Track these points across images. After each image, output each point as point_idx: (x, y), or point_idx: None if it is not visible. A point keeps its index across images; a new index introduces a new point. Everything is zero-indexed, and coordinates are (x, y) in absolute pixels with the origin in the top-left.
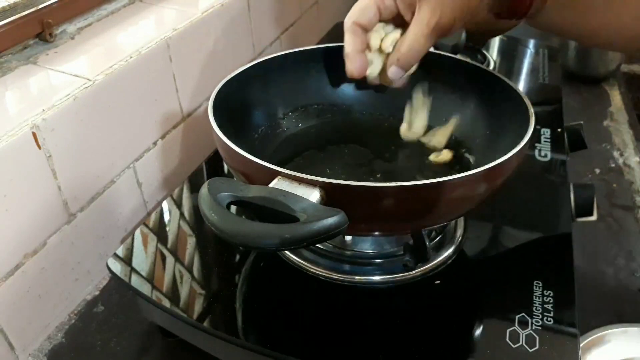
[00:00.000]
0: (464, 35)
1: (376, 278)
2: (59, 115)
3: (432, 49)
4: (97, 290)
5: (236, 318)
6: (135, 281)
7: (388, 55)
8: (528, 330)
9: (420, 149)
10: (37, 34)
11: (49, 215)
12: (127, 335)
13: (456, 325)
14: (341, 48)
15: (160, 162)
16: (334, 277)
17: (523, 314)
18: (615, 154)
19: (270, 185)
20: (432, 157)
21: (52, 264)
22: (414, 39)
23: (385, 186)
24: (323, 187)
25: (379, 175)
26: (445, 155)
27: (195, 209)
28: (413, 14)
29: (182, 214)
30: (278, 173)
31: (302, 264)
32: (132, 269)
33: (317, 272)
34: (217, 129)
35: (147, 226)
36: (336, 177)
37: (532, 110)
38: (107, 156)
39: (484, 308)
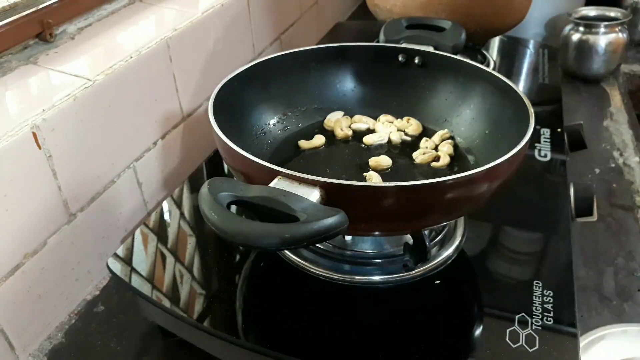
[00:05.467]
0: (463, 35)
1: (376, 278)
2: (59, 115)
3: (432, 49)
4: (97, 290)
5: (236, 318)
6: (135, 281)
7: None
8: (528, 330)
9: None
10: (37, 34)
11: (49, 215)
12: (127, 335)
13: (456, 325)
14: (341, 48)
15: (160, 162)
16: (334, 277)
17: (523, 314)
18: (615, 154)
19: (271, 185)
20: (432, 164)
21: (52, 264)
22: None
23: (385, 186)
24: (323, 187)
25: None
26: (444, 160)
27: (195, 209)
28: None
29: (182, 214)
30: (278, 173)
31: (302, 264)
32: (132, 269)
33: (317, 272)
34: (217, 129)
35: (147, 226)
36: (336, 177)
37: (532, 110)
38: (107, 156)
39: (484, 308)
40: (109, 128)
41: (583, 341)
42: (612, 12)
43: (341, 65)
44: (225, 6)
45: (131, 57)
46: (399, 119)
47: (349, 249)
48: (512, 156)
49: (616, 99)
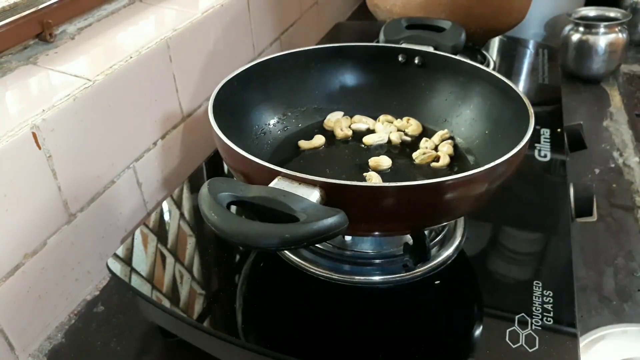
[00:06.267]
0: (463, 35)
1: (376, 278)
2: (59, 115)
3: (431, 49)
4: (97, 290)
5: (236, 318)
6: (135, 281)
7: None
8: (528, 330)
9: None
10: (37, 34)
11: (49, 215)
12: (127, 335)
13: (456, 326)
14: (341, 48)
15: (160, 162)
16: (334, 277)
17: (523, 314)
18: (615, 154)
19: (270, 185)
20: (432, 164)
21: (52, 264)
22: None
23: (385, 186)
24: (323, 187)
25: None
26: (443, 160)
27: (195, 209)
28: None
29: (182, 214)
30: (278, 173)
31: (302, 264)
32: (132, 269)
33: (317, 272)
34: (217, 129)
35: (147, 226)
36: (336, 177)
37: (531, 110)
38: (107, 156)
39: (484, 308)
40: (108, 128)
41: (583, 341)
42: (612, 12)
43: (341, 66)
44: (225, 6)
45: (131, 57)
46: (398, 119)
47: (349, 249)
48: (512, 156)
49: (616, 99)
